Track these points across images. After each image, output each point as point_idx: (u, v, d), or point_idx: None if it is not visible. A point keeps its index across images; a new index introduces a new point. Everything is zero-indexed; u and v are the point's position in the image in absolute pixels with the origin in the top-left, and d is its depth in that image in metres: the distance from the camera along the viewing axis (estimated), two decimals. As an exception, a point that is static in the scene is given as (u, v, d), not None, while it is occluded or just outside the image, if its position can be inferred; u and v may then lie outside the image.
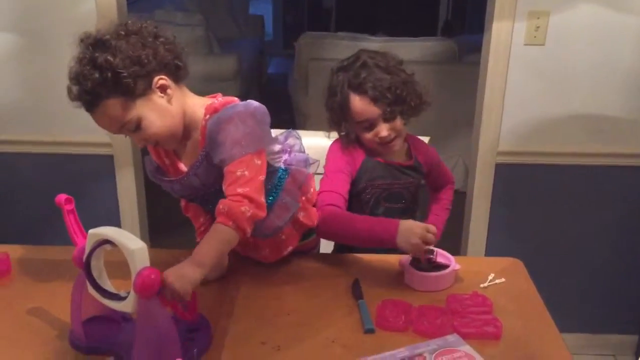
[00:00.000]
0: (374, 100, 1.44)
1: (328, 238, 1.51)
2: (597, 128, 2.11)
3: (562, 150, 2.15)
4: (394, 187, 1.54)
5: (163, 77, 1.21)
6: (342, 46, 3.71)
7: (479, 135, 2.16)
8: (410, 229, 1.31)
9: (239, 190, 1.17)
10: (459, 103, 3.11)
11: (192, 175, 1.27)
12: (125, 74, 1.14)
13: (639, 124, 2.11)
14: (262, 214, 1.20)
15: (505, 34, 2.02)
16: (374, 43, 3.63)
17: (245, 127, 1.21)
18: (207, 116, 1.25)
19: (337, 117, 1.50)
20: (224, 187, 1.20)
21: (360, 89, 1.44)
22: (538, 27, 2.01)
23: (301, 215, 1.40)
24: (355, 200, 1.52)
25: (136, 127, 1.20)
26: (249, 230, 1.17)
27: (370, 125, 1.47)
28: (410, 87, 1.48)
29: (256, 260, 1.43)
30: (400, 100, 1.46)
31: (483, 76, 2.13)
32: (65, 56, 2.04)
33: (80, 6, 2.02)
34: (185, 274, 1.05)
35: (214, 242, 1.14)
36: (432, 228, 1.32)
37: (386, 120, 1.46)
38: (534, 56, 2.05)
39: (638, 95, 2.08)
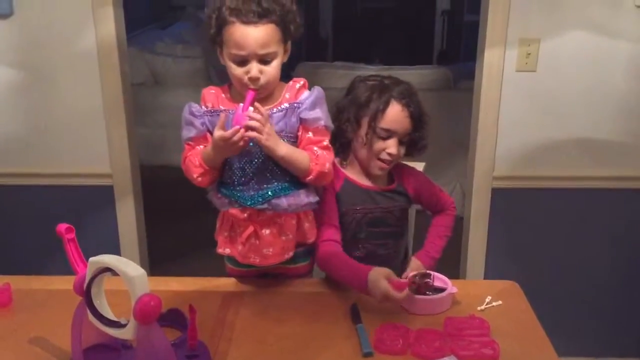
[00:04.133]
0: (411, 118, 1.51)
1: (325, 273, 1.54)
2: (590, 151, 2.14)
3: (557, 174, 2.17)
4: (376, 212, 1.56)
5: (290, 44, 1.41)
6: (339, 75, 3.76)
7: (474, 161, 2.19)
8: (375, 286, 1.33)
9: (328, 159, 1.42)
10: (455, 129, 3.15)
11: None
12: (293, 19, 1.37)
13: (632, 147, 2.13)
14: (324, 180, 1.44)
15: (497, 61, 2.06)
16: (371, 72, 3.68)
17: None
18: (292, 83, 1.43)
19: (362, 115, 1.51)
20: (303, 139, 1.40)
21: (403, 102, 1.51)
22: (529, 53, 2.06)
23: (306, 226, 1.45)
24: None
25: (269, 61, 1.35)
26: (314, 175, 1.39)
27: (388, 137, 1.51)
28: (428, 128, 1.57)
29: (254, 271, 1.48)
30: (421, 131, 1.54)
31: (477, 103, 2.17)
32: (65, 90, 2.10)
33: (81, 41, 2.06)
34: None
35: (298, 151, 1.39)
36: (394, 295, 1.31)
37: (400, 141, 1.52)
38: (526, 82, 2.08)
39: (630, 118, 2.12)
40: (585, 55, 2.05)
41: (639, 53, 2.04)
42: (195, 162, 1.39)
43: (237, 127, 1.29)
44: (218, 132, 1.30)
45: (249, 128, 1.29)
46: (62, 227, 1.14)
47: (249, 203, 1.38)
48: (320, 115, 1.40)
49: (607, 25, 2.02)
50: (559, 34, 2.03)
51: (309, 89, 1.43)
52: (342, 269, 1.43)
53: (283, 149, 1.34)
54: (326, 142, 1.42)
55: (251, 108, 1.32)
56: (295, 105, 1.40)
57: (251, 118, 1.29)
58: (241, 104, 1.33)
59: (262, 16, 1.32)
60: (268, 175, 1.39)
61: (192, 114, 1.41)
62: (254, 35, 1.32)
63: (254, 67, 1.33)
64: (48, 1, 2.03)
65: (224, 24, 1.33)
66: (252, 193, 1.38)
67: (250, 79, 1.33)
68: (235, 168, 1.40)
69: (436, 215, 1.71)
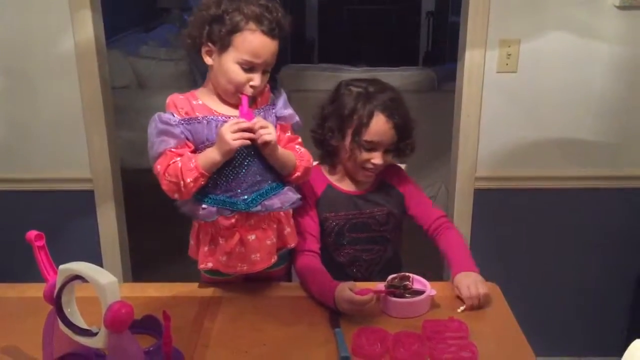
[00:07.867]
0: (395, 129, 1.49)
1: None
2: (572, 152, 2.15)
3: (539, 175, 2.17)
4: (359, 218, 1.55)
5: None
6: (324, 77, 3.75)
7: (457, 162, 2.19)
8: (340, 298, 1.33)
9: (309, 154, 1.46)
10: (440, 130, 3.13)
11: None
12: (285, 41, 1.40)
13: (612, 147, 2.14)
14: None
15: (478, 62, 2.06)
16: (356, 74, 3.67)
17: None
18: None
19: (346, 126, 1.50)
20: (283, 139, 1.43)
21: (388, 113, 1.48)
22: (509, 54, 2.06)
23: (287, 231, 1.44)
24: (320, 229, 1.53)
25: (267, 71, 1.39)
26: (300, 171, 1.42)
27: (373, 148, 1.50)
28: (414, 137, 1.56)
29: (233, 278, 1.46)
30: (408, 141, 1.54)
31: (458, 104, 2.17)
32: (44, 94, 2.08)
33: (59, 45, 2.04)
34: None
35: (287, 151, 1.41)
36: (358, 299, 1.31)
37: (386, 151, 1.51)
38: (507, 83, 2.09)
39: (610, 118, 2.12)
40: (565, 55, 2.06)
41: (618, 53, 2.05)
42: (189, 165, 1.30)
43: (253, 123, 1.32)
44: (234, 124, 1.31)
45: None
46: (31, 234, 1.12)
47: (242, 207, 1.35)
48: (292, 112, 1.45)
49: (586, 26, 2.03)
50: (539, 34, 2.04)
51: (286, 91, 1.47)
52: (314, 287, 1.42)
53: (279, 148, 1.37)
54: (300, 139, 1.46)
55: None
56: (268, 106, 1.43)
57: (261, 126, 1.32)
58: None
59: (278, 30, 1.36)
60: (258, 177, 1.38)
61: (166, 123, 1.33)
62: (270, 47, 1.35)
63: (259, 77, 1.36)
64: (25, 5, 2.00)
65: (239, 29, 1.33)
66: (245, 197, 1.36)
67: (252, 86, 1.36)
68: (225, 174, 1.36)
69: (436, 236, 1.58)
